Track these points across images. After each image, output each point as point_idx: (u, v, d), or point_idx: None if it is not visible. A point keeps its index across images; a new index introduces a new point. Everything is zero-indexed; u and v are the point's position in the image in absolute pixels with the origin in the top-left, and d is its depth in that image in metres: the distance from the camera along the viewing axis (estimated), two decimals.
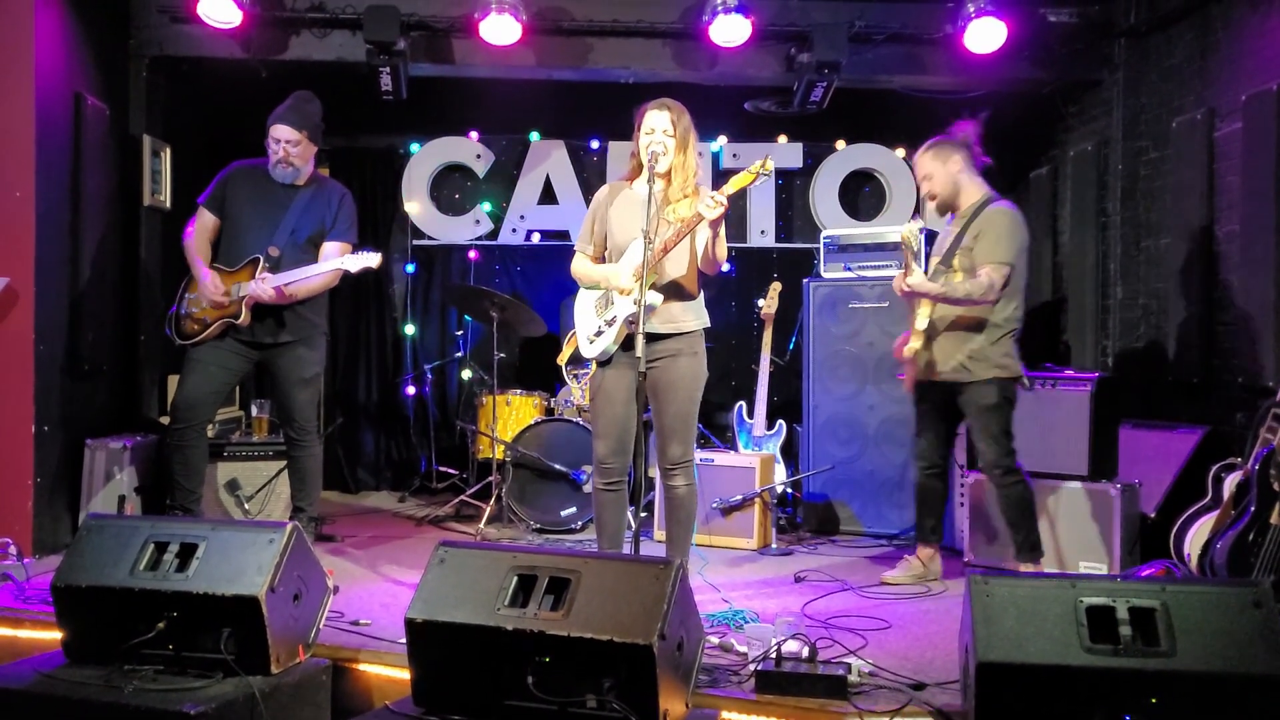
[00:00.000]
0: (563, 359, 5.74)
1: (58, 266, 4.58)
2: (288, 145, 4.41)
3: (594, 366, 3.82)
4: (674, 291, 3.67)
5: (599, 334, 3.73)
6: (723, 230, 3.55)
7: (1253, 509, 3.66)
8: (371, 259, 4.34)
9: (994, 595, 2.49)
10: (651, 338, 3.56)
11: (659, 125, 3.64)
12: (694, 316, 3.74)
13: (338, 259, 4.38)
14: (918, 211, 6.50)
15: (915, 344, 4.14)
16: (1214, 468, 4.12)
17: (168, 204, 5.52)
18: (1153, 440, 4.90)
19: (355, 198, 4.73)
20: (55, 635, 3.02)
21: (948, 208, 4.22)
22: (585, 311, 3.84)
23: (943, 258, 4.15)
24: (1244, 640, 2.33)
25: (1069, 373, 4.77)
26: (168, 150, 5.53)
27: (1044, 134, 6.35)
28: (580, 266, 3.87)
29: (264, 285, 4.29)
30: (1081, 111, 5.98)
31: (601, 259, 3.87)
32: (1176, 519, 4.15)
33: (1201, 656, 2.32)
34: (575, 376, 5.70)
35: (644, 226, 3.43)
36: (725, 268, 3.79)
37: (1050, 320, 6.21)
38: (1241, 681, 2.29)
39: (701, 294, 3.79)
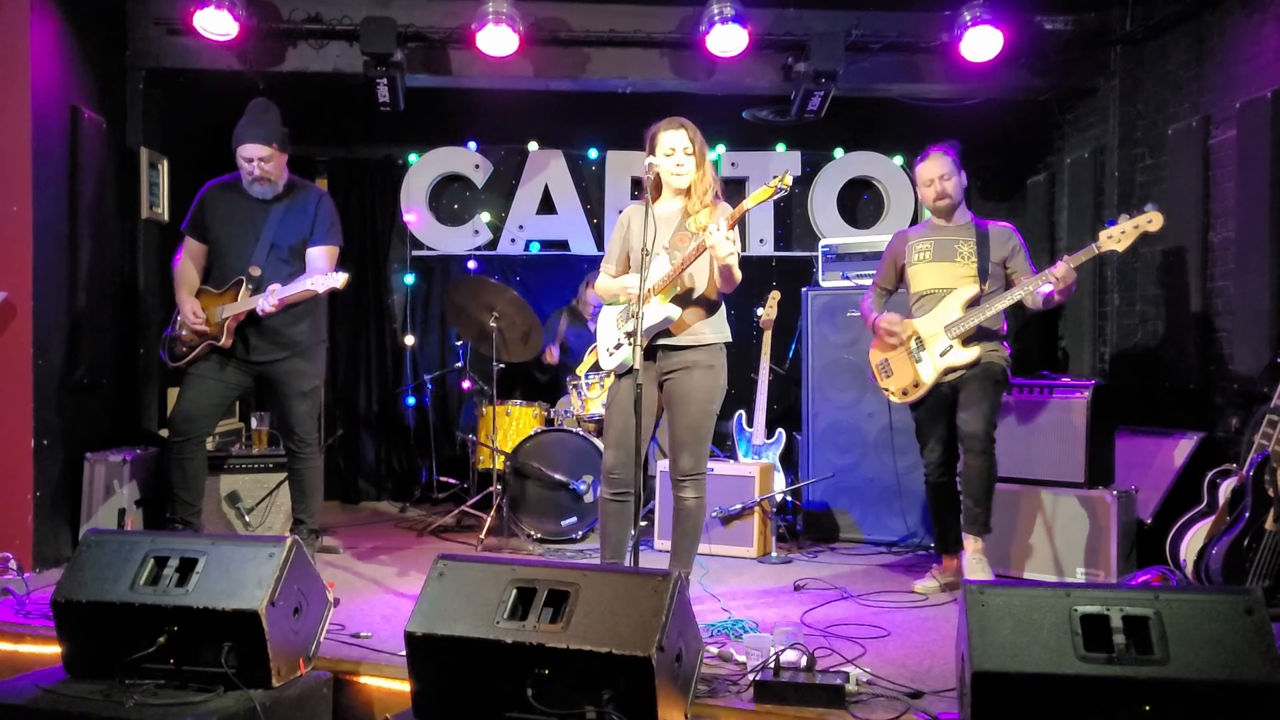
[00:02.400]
0: (583, 369, 5.74)
1: (56, 280, 4.60)
2: (261, 163, 4.35)
3: (611, 378, 3.86)
4: (694, 304, 3.70)
5: (619, 346, 3.78)
6: (734, 260, 3.56)
7: (1248, 514, 3.67)
8: (336, 279, 4.24)
9: (989, 604, 2.50)
10: (670, 349, 3.66)
11: (679, 145, 3.68)
12: (713, 329, 3.77)
13: (308, 280, 4.26)
14: (916, 220, 6.53)
15: (973, 350, 4.15)
16: (1210, 474, 4.14)
17: (166, 216, 5.55)
18: (1149, 446, 4.91)
19: (354, 208, 4.72)
20: (56, 650, 3.02)
21: (952, 213, 4.30)
22: (607, 325, 3.90)
23: (977, 263, 4.20)
24: (1236, 648, 2.33)
25: (1066, 379, 4.78)
26: (165, 163, 5.56)
27: (1041, 141, 6.38)
28: (602, 283, 3.94)
29: (269, 300, 4.23)
30: (1078, 119, 6.00)
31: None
32: (1173, 525, 4.17)
33: (1194, 664, 2.33)
34: (576, 388, 5.70)
35: (645, 244, 3.46)
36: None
37: (1048, 327, 6.22)
38: (1233, 689, 2.29)
39: (723, 308, 3.82)
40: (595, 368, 5.61)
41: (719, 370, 3.76)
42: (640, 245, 3.76)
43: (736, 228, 3.65)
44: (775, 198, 3.55)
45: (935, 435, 4.32)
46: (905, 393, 4.32)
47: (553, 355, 6.25)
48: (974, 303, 4.16)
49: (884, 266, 4.53)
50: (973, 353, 4.13)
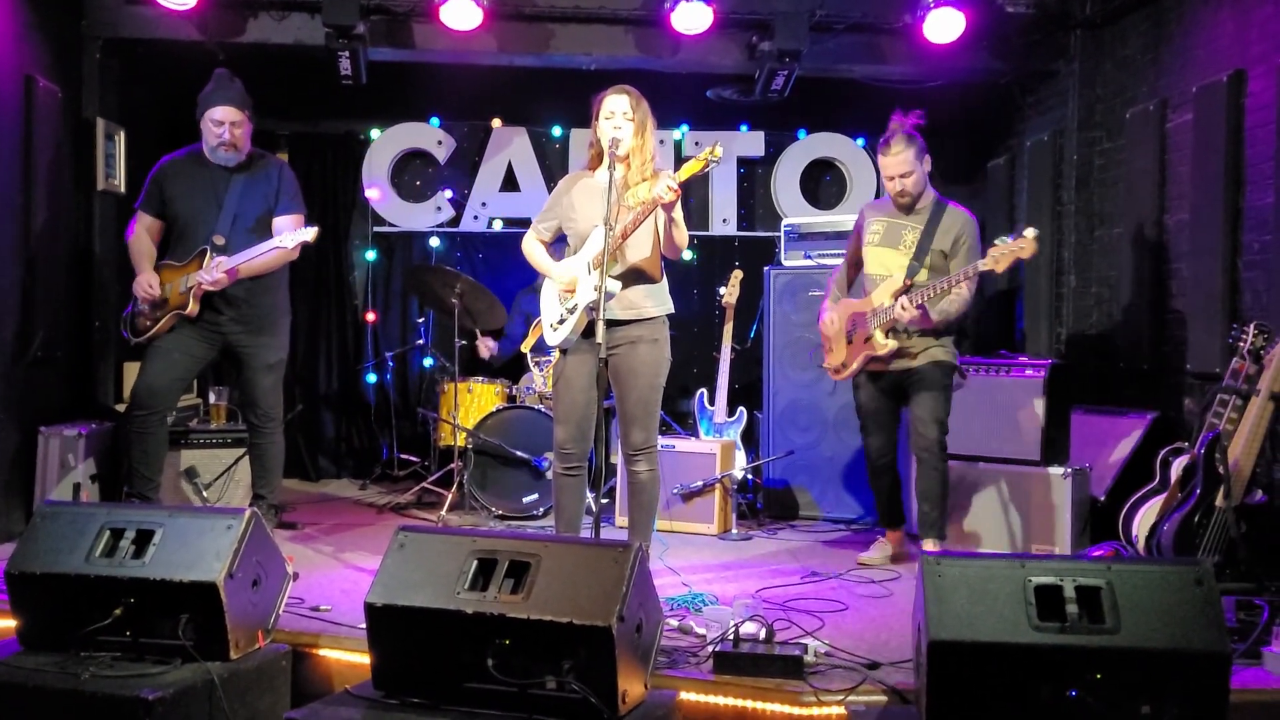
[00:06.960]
0: (527, 346, 5.75)
1: (8, 251, 4.50)
2: (231, 128, 4.35)
3: (557, 353, 3.84)
4: (635, 277, 3.68)
5: (561, 321, 3.75)
6: (679, 216, 3.57)
7: (1198, 492, 3.74)
8: (307, 233, 4.27)
9: (945, 575, 2.53)
10: (613, 324, 3.59)
11: (619, 109, 3.65)
12: (655, 302, 3.75)
13: (275, 239, 4.30)
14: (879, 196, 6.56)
15: (889, 343, 4.18)
16: (1162, 452, 4.20)
17: (122, 188, 5.45)
18: (1103, 425, 4.99)
19: (315, 183, 4.70)
20: (9, 623, 2.99)
21: (913, 206, 4.26)
22: (550, 299, 3.86)
23: (914, 254, 4.19)
24: (1185, 617, 2.38)
25: (1023, 359, 4.85)
26: (122, 134, 5.46)
27: (1002, 124, 6.43)
28: (529, 248, 3.93)
29: (214, 272, 4.24)
30: (1038, 102, 6.06)
31: (554, 244, 3.93)
32: (1125, 502, 4.24)
33: (1144, 633, 2.37)
34: (538, 364, 5.70)
35: (605, 213, 3.44)
36: (688, 256, 3.81)
37: (1006, 308, 6.30)
38: (1182, 657, 2.35)
39: (665, 279, 3.81)
40: (539, 346, 5.60)
41: (663, 343, 3.76)
42: (580, 215, 3.74)
43: (679, 207, 3.60)
44: (707, 170, 3.47)
45: (875, 422, 4.40)
46: (836, 371, 4.46)
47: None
48: (904, 293, 4.13)
49: (851, 241, 4.53)
50: (889, 345, 4.15)
